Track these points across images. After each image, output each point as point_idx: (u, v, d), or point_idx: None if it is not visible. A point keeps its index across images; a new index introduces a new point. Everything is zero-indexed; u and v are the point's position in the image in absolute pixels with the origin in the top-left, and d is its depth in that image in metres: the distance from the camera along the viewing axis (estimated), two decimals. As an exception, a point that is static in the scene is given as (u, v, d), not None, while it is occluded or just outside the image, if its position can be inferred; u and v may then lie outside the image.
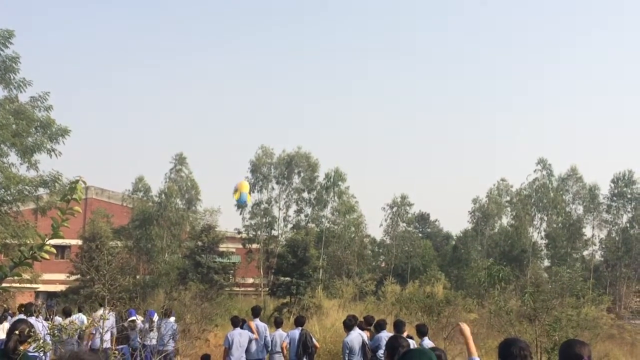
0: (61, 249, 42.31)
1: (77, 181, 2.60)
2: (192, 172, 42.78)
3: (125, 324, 13.66)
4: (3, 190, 21.80)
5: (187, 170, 42.53)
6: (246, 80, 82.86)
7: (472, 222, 51.43)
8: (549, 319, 18.18)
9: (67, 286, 37.61)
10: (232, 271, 39.59)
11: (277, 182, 44.07)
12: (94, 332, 13.17)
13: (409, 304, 26.94)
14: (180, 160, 42.30)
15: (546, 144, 79.35)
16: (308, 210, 44.47)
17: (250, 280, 43.51)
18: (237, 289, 40.47)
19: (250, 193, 28.43)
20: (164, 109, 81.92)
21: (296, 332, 11.97)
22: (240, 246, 43.45)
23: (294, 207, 44.59)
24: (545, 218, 47.59)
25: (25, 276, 23.20)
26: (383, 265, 49.68)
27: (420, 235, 52.84)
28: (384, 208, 48.20)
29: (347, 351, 10.73)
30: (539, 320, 17.80)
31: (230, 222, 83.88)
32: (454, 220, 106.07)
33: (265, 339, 12.31)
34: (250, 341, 12.05)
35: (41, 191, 23.22)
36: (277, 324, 13.09)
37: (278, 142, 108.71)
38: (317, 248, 39.12)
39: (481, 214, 50.44)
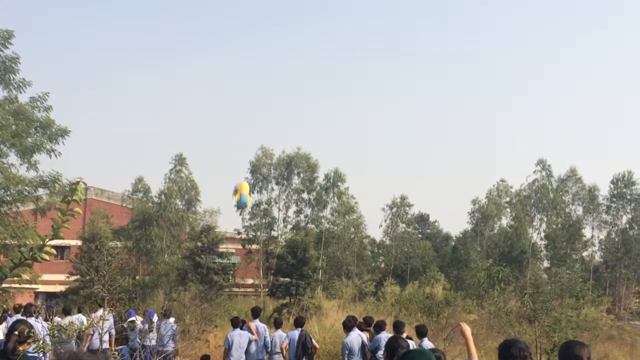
0: (61, 250, 42.32)
1: (77, 182, 2.60)
2: (191, 173, 42.83)
3: (125, 325, 13.65)
4: (3, 190, 21.79)
5: (186, 171, 42.59)
6: (246, 80, 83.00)
7: (471, 223, 51.48)
8: (549, 320, 18.18)
9: (67, 287, 37.59)
10: (231, 272, 39.56)
11: (277, 183, 44.10)
12: (91, 333, 13.17)
13: (409, 304, 26.94)
14: (180, 160, 42.32)
15: (546, 145, 79.49)
16: (308, 211, 44.51)
17: (250, 281, 43.52)
18: (237, 289, 40.48)
19: (250, 194, 28.45)
20: (164, 109, 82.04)
21: (296, 333, 11.97)
22: (240, 247, 43.44)
23: (293, 208, 44.65)
24: (545, 219, 47.60)
25: (25, 277, 23.20)
26: (382, 266, 49.68)
27: (419, 236, 52.84)
28: (384, 209, 48.28)
29: (347, 352, 10.73)
30: (538, 321, 17.80)
31: (230, 222, 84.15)
32: (454, 221, 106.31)
33: (264, 339, 12.31)
34: (249, 342, 12.05)
35: (41, 192, 23.21)
36: (277, 324, 13.09)
37: (278, 143, 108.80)
38: (317, 249, 39.12)
39: (481, 214, 50.46)
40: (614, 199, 47.49)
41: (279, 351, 12.26)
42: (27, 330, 4.44)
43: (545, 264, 48.93)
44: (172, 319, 13.86)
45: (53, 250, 2.60)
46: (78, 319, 13.78)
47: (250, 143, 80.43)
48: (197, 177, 43.49)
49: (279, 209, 44.25)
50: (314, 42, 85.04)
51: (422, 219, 59.10)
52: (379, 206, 55.43)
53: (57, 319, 13.54)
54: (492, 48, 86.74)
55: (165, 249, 40.47)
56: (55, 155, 22.17)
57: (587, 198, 47.66)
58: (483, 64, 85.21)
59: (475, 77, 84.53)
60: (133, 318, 13.75)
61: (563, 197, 47.74)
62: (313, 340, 12.23)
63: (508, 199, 50.14)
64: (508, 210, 49.93)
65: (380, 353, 10.26)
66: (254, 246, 43.47)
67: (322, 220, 44.32)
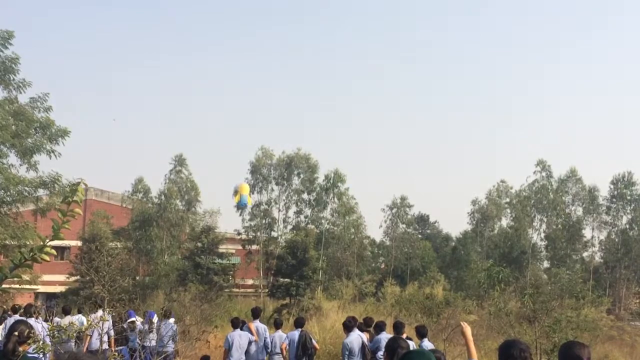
0: (61, 250, 42.32)
1: (78, 183, 2.60)
2: (191, 174, 42.84)
3: (125, 326, 13.65)
4: (3, 191, 21.81)
5: (186, 172, 42.58)
6: (246, 81, 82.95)
7: (471, 223, 51.49)
8: (549, 320, 18.19)
9: (67, 287, 37.59)
10: (231, 272, 39.58)
11: (277, 184, 44.09)
12: (90, 333, 13.16)
13: (409, 305, 26.94)
14: (180, 161, 42.32)
15: (546, 146, 79.45)
16: (308, 211, 44.50)
17: (250, 282, 43.51)
18: (237, 290, 40.48)
19: (250, 195, 28.45)
20: (164, 109, 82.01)
21: (296, 334, 11.97)
22: (240, 247, 43.43)
23: (293, 209, 44.64)
24: (545, 219, 47.62)
25: (25, 277, 23.26)
26: (383, 266, 49.68)
27: (419, 236, 52.79)
28: (384, 209, 48.26)
29: (347, 352, 10.72)
30: (538, 322, 17.81)
31: (229, 223, 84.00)
32: (454, 222, 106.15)
33: (264, 340, 12.30)
34: (250, 343, 12.05)
35: (41, 192, 23.23)
36: (277, 325, 13.09)
37: (278, 143, 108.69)
38: (317, 249, 39.12)
39: (481, 215, 50.48)
40: (614, 200, 47.50)
41: (279, 352, 12.26)
42: (27, 330, 4.44)
43: (545, 264, 48.97)
44: (172, 320, 13.85)
45: (53, 251, 2.60)
46: (78, 319, 13.77)
47: (250, 143, 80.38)
48: (197, 177, 43.52)
49: (279, 210, 44.30)
50: (314, 42, 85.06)
51: (422, 220, 59.06)
52: (379, 207, 55.41)
53: (57, 319, 13.54)
54: (492, 48, 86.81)
55: (165, 249, 40.48)
56: (55, 156, 22.21)
57: (587, 199, 47.67)
58: (483, 64, 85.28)
59: (475, 77, 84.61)
60: (133, 319, 13.75)
61: (563, 198, 47.76)
62: (313, 341, 12.23)
63: (508, 200, 50.17)
64: (508, 210, 49.95)
65: (381, 354, 10.25)
66: (254, 247, 43.46)
67: (322, 221, 44.33)
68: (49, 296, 41.07)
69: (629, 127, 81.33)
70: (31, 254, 2.54)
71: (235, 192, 22.84)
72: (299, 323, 12.40)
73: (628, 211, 47.52)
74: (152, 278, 38.05)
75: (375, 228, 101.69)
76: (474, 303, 31.95)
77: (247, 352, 12.00)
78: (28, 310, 12.42)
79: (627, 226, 47.49)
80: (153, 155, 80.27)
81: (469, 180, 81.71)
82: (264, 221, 43.63)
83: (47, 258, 2.58)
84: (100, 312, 13.04)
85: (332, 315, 23.21)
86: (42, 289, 40.24)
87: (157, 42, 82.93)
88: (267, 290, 39.04)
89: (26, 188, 21.94)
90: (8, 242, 22.17)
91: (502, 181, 50.83)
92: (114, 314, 14.04)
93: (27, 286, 30.75)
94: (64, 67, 79.71)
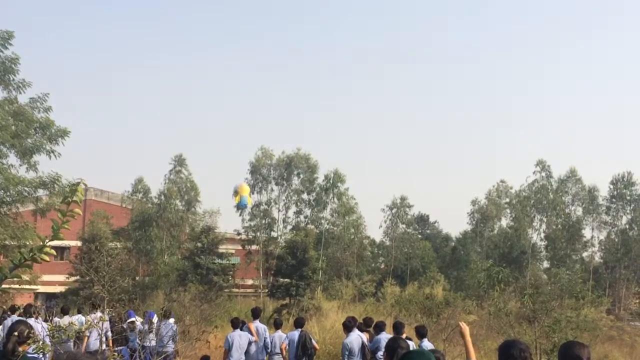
0: (60, 250, 42.32)
1: (77, 183, 2.60)
2: (191, 174, 42.83)
3: (125, 326, 13.65)
4: (2, 191, 21.81)
5: (186, 172, 42.58)
6: (246, 81, 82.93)
7: (471, 223, 51.49)
8: (549, 320, 18.20)
9: (67, 287, 37.59)
10: (231, 272, 39.57)
11: (277, 184, 44.09)
12: (88, 334, 13.15)
13: (409, 305, 26.95)
14: (180, 161, 42.33)
15: (545, 146, 79.45)
16: (307, 211, 44.49)
17: (250, 282, 43.51)
18: (237, 290, 40.48)
19: (250, 196, 28.42)
20: (164, 110, 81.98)
21: (295, 334, 11.98)
22: (240, 247, 43.42)
23: (293, 209, 44.63)
24: (545, 219, 47.62)
25: (25, 277, 23.26)
26: (382, 266, 49.67)
27: (419, 236, 52.76)
28: (384, 209, 48.25)
29: (347, 353, 10.73)
30: (538, 322, 17.82)
31: (229, 223, 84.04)
32: (454, 222, 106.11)
33: (264, 340, 12.30)
34: (249, 343, 12.05)
35: (40, 192, 23.23)
36: (277, 325, 13.09)
37: (277, 143, 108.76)
38: (317, 249, 39.12)
39: (480, 215, 50.48)
40: (614, 200, 47.50)
41: (279, 352, 12.26)
42: (27, 330, 4.43)
43: (545, 264, 48.97)
44: (172, 320, 13.85)
45: (53, 251, 2.60)
46: (78, 319, 13.77)
47: (250, 143, 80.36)
48: (196, 177, 43.52)
49: (279, 210, 44.29)
50: (314, 42, 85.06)
51: (422, 220, 59.05)
52: (379, 207, 55.44)
53: (56, 319, 13.54)
54: (492, 48, 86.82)
55: (165, 249, 40.48)
56: (55, 156, 22.22)
57: (587, 199, 47.67)
58: (483, 64, 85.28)
59: (475, 77, 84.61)
60: (133, 319, 13.75)
61: (563, 198, 47.76)
62: (313, 341, 12.23)
63: (508, 200, 50.17)
64: (508, 211, 49.94)
65: (380, 354, 10.25)
66: (254, 247, 43.47)
67: (322, 221, 44.33)
68: (49, 296, 41.06)
69: (629, 127, 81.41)
70: (31, 254, 2.54)
71: (235, 193, 22.77)
72: (298, 323, 12.41)
73: (628, 211, 47.53)
74: (152, 278, 38.04)
75: (375, 228, 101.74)
76: (474, 303, 31.94)
77: (247, 352, 12.01)
78: (28, 311, 12.42)
79: (627, 226, 47.50)
80: (153, 156, 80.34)
81: (469, 180, 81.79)
82: (263, 221, 43.63)
83: (47, 258, 2.58)
84: (98, 313, 13.04)
85: (332, 316, 23.21)
86: (41, 289, 40.24)
87: (157, 42, 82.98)
88: (266, 290, 39.04)
89: (26, 188, 21.95)
90: (8, 242, 22.17)
91: (502, 181, 50.88)
92: (113, 315, 14.04)
93: (27, 286, 30.75)
94: (64, 67, 79.79)
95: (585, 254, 49.42)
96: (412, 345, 8.80)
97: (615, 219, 47.71)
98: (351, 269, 42.66)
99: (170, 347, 12.96)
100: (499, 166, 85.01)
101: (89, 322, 8.58)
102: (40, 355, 4.48)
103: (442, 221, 72.81)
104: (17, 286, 27.01)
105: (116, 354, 7.88)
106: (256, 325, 12.42)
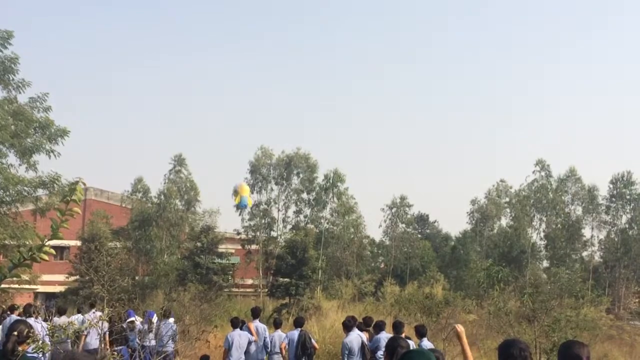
0: (60, 250, 42.30)
1: (76, 182, 2.60)
2: (191, 173, 42.81)
3: (124, 325, 13.64)
4: (2, 191, 21.81)
5: (186, 171, 42.56)
6: (246, 81, 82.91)
7: (471, 223, 51.49)
8: (548, 319, 18.21)
9: (66, 287, 37.58)
10: (231, 272, 39.57)
11: (276, 183, 44.09)
12: (85, 333, 13.14)
13: (408, 305, 26.96)
14: (180, 161, 42.31)
15: (545, 146, 79.46)
16: (307, 211, 44.49)
17: (250, 281, 43.52)
18: (236, 290, 40.47)
19: (250, 196, 28.41)
20: (164, 109, 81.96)
21: (295, 333, 11.98)
22: (240, 247, 43.44)
23: (293, 208, 44.63)
24: (544, 219, 47.63)
25: (24, 277, 23.27)
26: (382, 266, 49.67)
27: (419, 236, 52.80)
28: (383, 209, 48.25)
29: (346, 352, 10.73)
30: (538, 321, 17.82)
31: (229, 223, 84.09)
32: (453, 221, 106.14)
33: (264, 340, 12.31)
34: (249, 342, 12.05)
35: (40, 192, 23.22)
36: (276, 324, 13.10)
37: (277, 143, 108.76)
38: (316, 249, 39.12)
39: (480, 215, 50.48)
40: (614, 199, 47.51)
41: (279, 351, 12.27)
42: (27, 330, 4.43)
43: (545, 264, 48.98)
44: (171, 319, 13.85)
45: (52, 251, 2.60)
46: (77, 319, 13.77)
47: (250, 143, 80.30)
48: (196, 177, 43.50)
49: (279, 209, 44.30)
50: (314, 42, 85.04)
51: (422, 219, 59.09)
52: (379, 206, 55.43)
53: (55, 319, 13.53)
54: (492, 48, 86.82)
55: (164, 249, 40.48)
56: (55, 156, 22.21)
57: (587, 198, 47.67)
58: (483, 64, 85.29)
59: (475, 77, 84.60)
60: (132, 318, 13.74)
61: (562, 197, 47.77)
62: (312, 341, 12.24)
63: (507, 199, 50.17)
64: (507, 210, 49.95)
65: (380, 353, 10.26)
66: (254, 246, 43.48)
67: (322, 221, 44.33)
68: (49, 296, 41.04)
69: (629, 127, 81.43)
70: (30, 253, 2.54)
71: (235, 192, 22.75)
72: (298, 323, 12.41)
73: (627, 210, 47.55)
74: (152, 278, 38.05)
75: (374, 228, 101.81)
76: (474, 302, 31.96)
77: (246, 352, 12.01)
78: (27, 310, 12.42)
79: (627, 225, 47.51)
80: (152, 155, 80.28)
81: (469, 180, 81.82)
82: (263, 221, 43.64)
83: (46, 257, 2.58)
84: (98, 312, 13.03)
85: (332, 315, 23.22)
86: (41, 288, 40.24)
87: (157, 42, 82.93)
88: (266, 290, 39.05)
89: (25, 188, 21.94)
90: (7, 242, 22.16)
91: (502, 181, 50.87)
92: (113, 314, 14.02)
93: (27, 286, 30.75)
94: (63, 67, 79.74)
95: (584, 254, 49.47)
96: (412, 344, 8.80)
97: (615, 218, 47.73)
98: (351, 269, 42.67)
99: (170, 347, 12.95)
100: (498, 166, 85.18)
101: (89, 322, 8.57)
102: (40, 355, 4.47)
103: (441, 221, 72.95)
104: (16, 286, 27.01)
105: (115, 353, 7.87)
106: (256, 324, 12.43)
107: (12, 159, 21.92)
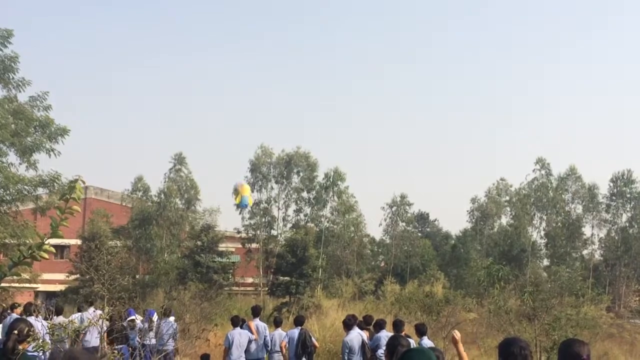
0: (60, 249, 42.32)
1: (76, 180, 2.60)
2: (191, 172, 42.82)
3: (125, 324, 13.64)
4: (2, 190, 21.81)
5: (186, 170, 42.58)
6: (246, 81, 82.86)
7: (471, 221, 51.49)
8: (549, 318, 18.22)
9: (67, 286, 37.61)
10: (231, 271, 39.59)
11: (277, 182, 44.09)
12: (83, 331, 13.14)
13: (409, 303, 26.95)
14: (180, 160, 42.31)
15: (545, 146, 79.43)
16: (307, 209, 44.50)
17: (250, 280, 43.53)
18: (237, 288, 40.49)
19: (250, 195, 28.42)
20: (164, 109, 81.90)
21: (295, 332, 11.98)
22: (240, 246, 43.46)
23: (293, 207, 44.64)
24: (545, 217, 47.63)
25: (25, 276, 23.25)
26: (382, 264, 49.69)
27: (419, 234, 52.81)
28: (384, 207, 48.24)
29: (347, 350, 10.73)
30: (538, 320, 17.83)
31: (229, 221, 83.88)
32: (454, 220, 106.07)
33: (264, 338, 12.31)
34: (249, 341, 12.05)
35: (40, 191, 23.22)
36: (277, 323, 13.10)
37: (277, 142, 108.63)
38: (317, 248, 39.13)
39: (480, 213, 50.48)
40: (614, 198, 47.52)
41: (279, 350, 12.27)
42: (27, 329, 4.43)
43: (545, 262, 48.99)
44: (172, 318, 13.86)
45: (52, 249, 2.60)
46: (78, 317, 13.77)
47: (250, 143, 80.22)
48: (196, 176, 43.49)
49: (279, 208, 44.30)
50: (314, 42, 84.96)
51: (422, 218, 59.08)
52: (379, 205, 55.41)
53: (54, 318, 13.52)
54: (492, 48, 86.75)
55: (165, 248, 40.49)
56: (55, 155, 22.20)
57: (587, 196, 47.67)
58: (483, 64, 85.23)
59: (475, 77, 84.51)
60: (133, 317, 13.74)
61: (563, 196, 47.77)
62: (313, 339, 12.24)
63: (508, 198, 50.17)
64: (508, 208, 49.96)
65: (380, 352, 10.26)
66: (254, 245, 43.50)
67: (322, 219, 44.34)
68: (49, 295, 41.06)
69: (629, 127, 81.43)
70: (30, 251, 2.53)
71: (236, 191, 22.75)
72: (298, 321, 12.41)
73: (628, 209, 47.54)
74: (152, 276, 38.07)
75: (375, 226, 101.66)
76: (474, 301, 31.95)
77: (247, 351, 12.01)
78: (28, 309, 12.42)
79: (627, 224, 47.52)
80: (153, 154, 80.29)
81: (469, 178, 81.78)
82: (263, 219, 43.66)
83: (46, 256, 2.57)
84: (98, 311, 13.03)
85: (332, 314, 23.23)
86: (42, 287, 40.29)
87: (157, 42, 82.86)
88: (266, 288, 39.08)
89: (26, 187, 21.94)
90: (8, 240, 22.15)
91: (502, 179, 50.87)
92: (113, 313, 14.02)
93: (27, 285, 30.76)
94: (63, 67, 79.66)
95: (585, 252, 49.47)
96: (412, 343, 8.80)
97: (615, 216, 47.73)
98: (351, 267, 42.68)
99: (171, 345, 12.97)
100: (499, 165, 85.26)
101: (89, 320, 8.57)
102: (40, 353, 4.48)
103: (442, 219, 72.78)
104: (17, 284, 27.02)
105: (116, 352, 7.87)
106: (256, 323, 12.43)
107: (12, 157, 21.93)
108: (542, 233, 48.03)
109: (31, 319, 10.21)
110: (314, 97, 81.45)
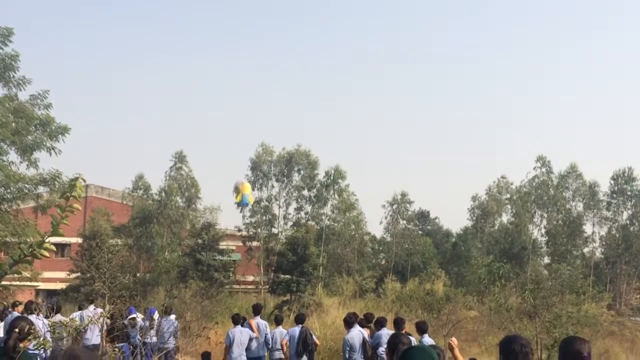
0: (61, 247, 42.34)
1: (76, 179, 2.60)
2: (192, 170, 42.82)
3: (126, 322, 13.66)
4: (3, 188, 21.82)
5: (187, 168, 42.57)
6: (246, 81, 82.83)
7: (471, 219, 51.49)
8: (549, 316, 18.23)
9: (68, 284, 37.65)
10: (232, 269, 39.63)
11: (277, 180, 44.11)
12: (83, 329, 13.15)
13: (409, 301, 27.00)
14: (180, 158, 42.31)
15: (546, 142, 79.36)
16: (308, 208, 44.52)
17: (251, 278, 43.56)
18: (237, 286, 40.53)
19: (251, 194, 28.44)
20: (164, 107, 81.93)
21: (296, 330, 11.99)
22: (241, 244, 43.48)
23: (294, 205, 44.66)
24: (545, 215, 47.61)
25: (26, 274, 23.31)
26: (383, 262, 49.71)
27: (420, 232, 52.80)
28: (384, 205, 48.23)
29: (348, 348, 10.74)
30: (539, 317, 17.84)
31: (230, 219, 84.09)
32: (454, 218, 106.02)
33: (265, 336, 12.32)
34: (250, 339, 12.06)
35: (41, 189, 23.23)
36: (278, 321, 13.11)
37: (278, 140, 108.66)
38: (317, 246, 39.15)
39: (481, 211, 50.48)
40: (615, 195, 47.48)
41: (280, 348, 12.28)
42: (28, 327, 4.43)
43: (546, 260, 48.96)
44: (173, 316, 13.87)
45: (52, 247, 2.60)
46: (79, 315, 13.78)
47: (251, 143, 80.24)
48: (197, 174, 43.49)
49: (279, 206, 44.31)
50: (314, 42, 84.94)
51: (423, 216, 59.10)
52: (380, 203, 55.44)
53: (57, 316, 13.53)
54: (492, 48, 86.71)
55: (165, 246, 40.50)
56: (56, 153, 22.21)
57: (588, 194, 47.65)
58: (483, 64, 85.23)
59: (475, 77, 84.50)
60: (134, 315, 13.76)
61: (563, 194, 47.75)
62: (314, 337, 12.26)
63: (508, 196, 50.16)
64: (508, 206, 49.94)
65: (381, 349, 10.27)
66: (255, 243, 43.51)
67: (323, 217, 44.35)
68: (50, 293, 41.11)
69: (629, 123, 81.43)
70: (30, 250, 2.53)
71: (237, 191, 22.76)
72: (299, 319, 12.42)
73: (628, 207, 47.50)
74: (153, 275, 38.09)
75: (375, 224, 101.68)
76: (475, 299, 32.01)
77: (247, 349, 12.02)
78: (29, 307, 12.43)
79: (628, 222, 47.48)
80: (153, 153, 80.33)
81: (470, 177, 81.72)
82: (264, 218, 43.67)
83: (47, 254, 2.57)
84: (98, 309, 13.04)
85: (333, 312, 23.25)
86: (42, 286, 40.32)
87: (157, 42, 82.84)
88: (267, 286, 39.10)
89: (26, 185, 21.95)
90: (8, 239, 22.16)
91: (503, 177, 50.86)
92: (114, 311, 14.03)
93: (28, 283, 30.80)
94: (64, 66, 79.67)
95: (586, 250, 49.45)
96: (413, 340, 8.80)
97: (616, 214, 47.70)
98: (352, 265, 42.69)
99: (171, 344, 12.97)
100: (499, 163, 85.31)
101: (89, 318, 8.57)
102: (41, 352, 4.48)
103: (442, 217, 72.81)
104: (17, 283, 27.03)
105: (117, 350, 7.88)
106: (257, 321, 12.44)
107: (13, 156, 21.94)
108: (543, 231, 48.02)
109: (32, 317, 10.22)
110: (314, 97, 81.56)
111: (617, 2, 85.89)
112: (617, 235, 47.19)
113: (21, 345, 4.43)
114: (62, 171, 22.02)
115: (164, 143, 79.57)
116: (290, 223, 44.20)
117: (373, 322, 12.19)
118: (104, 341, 13.35)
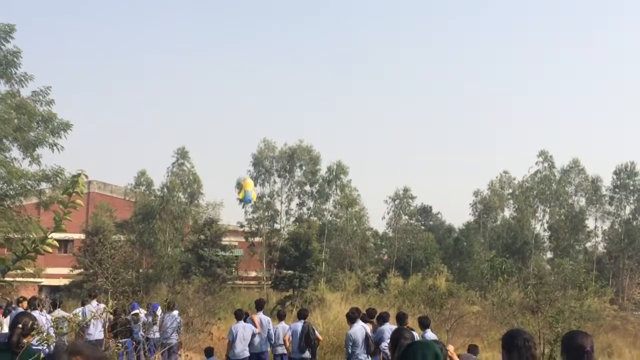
0: (64, 243, 42.42)
1: (79, 175, 2.60)
2: (194, 166, 42.85)
3: (129, 318, 13.69)
4: (6, 184, 21.84)
5: (189, 164, 42.60)
6: (246, 80, 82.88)
7: (474, 214, 51.47)
8: (552, 310, 18.20)
9: (71, 280, 37.72)
10: (234, 264, 39.65)
11: (279, 176, 44.13)
12: (85, 325, 13.19)
13: (412, 296, 27.01)
14: (183, 154, 42.32)
15: (548, 136, 79.37)
16: (310, 203, 44.55)
17: (253, 274, 43.61)
18: (240, 282, 40.59)
19: (254, 190, 28.49)
20: (167, 104, 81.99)
21: (299, 325, 12.00)
22: (243, 240, 43.52)
23: (296, 201, 44.69)
24: (548, 210, 47.60)
25: (29, 270, 23.35)
26: (385, 258, 49.73)
27: (422, 228, 52.82)
28: (386, 201, 48.27)
29: (350, 344, 10.75)
30: (541, 312, 17.83)
31: (232, 215, 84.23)
32: (457, 213, 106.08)
33: (268, 332, 12.34)
34: (253, 334, 12.08)
35: (44, 185, 23.23)
36: (280, 316, 13.11)
37: (280, 136, 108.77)
38: (320, 241, 39.16)
39: (483, 206, 50.46)
40: (617, 190, 47.44)
41: (282, 343, 12.29)
42: (31, 322, 4.45)
43: (549, 255, 49.00)
44: (175, 312, 13.89)
45: (55, 243, 2.60)
46: (81, 311, 13.81)
47: (253, 136, 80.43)
48: (199, 170, 43.52)
49: (282, 202, 44.35)
50: (314, 42, 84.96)
51: (425, 211, 59.08)
52: (382, 198, 55.43)
53: (60, 312, 13.57)
54: (492, 48, 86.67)
55: (168, 242, 40.54)
56: (58, 149, 22.19)
57: (590, 189, 47.62)
58: (483, 64, 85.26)
59: (477, 68, 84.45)
60: (137, 311, 13.78)
61: (566, 188, 47.72)
62: (316, 332, 12.27)
63: (511, 191, 50.13)
64: (511, 201, 49.92)
65: (384, 344, 10.27)
66: (257, 239, 43.54)
67: (325, 213, 44.37)
68: (53, 289, 41.20)
69: (631, 119, 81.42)
70: (33, 245, 2.54)
71: (239, 186, 22.82)
72: (302, 314, 12.43)
73: (631, 201, 47.48)
74: (156, 270, 38.15)
75: (377, 220, 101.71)
76: (477, 294, 32.03)
77: (250, 344, 12.04)
78: (32, 303, 12.45)
79: (630, 216, 47.47)
80: (156, 149, 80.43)
81: (472, 172, 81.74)
82: (266, 213, 43.70)
83: (49, 249, 2.58)
84: (101, 304, 13.08)
85: (335, 307, 23.28)
86: (45, 281, 40.40)
87: (157, 42, 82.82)
88: (270, 282, 39.15)
89: (29, 181, 21.96)
90: (11, 235, 22.20)
91: (505, 172, 50.85)
92: (117, 307, 14.07)
93: (31, 279, 30.87)
94: (64, 66, 79.67)
95: (588, 244, 49.45)
96: (416, 335, 8.81)
97: (619, 209, 47.67)
98: (354, 261, 42.73)
99: (174, 339, 13.00)
100: (501, 157, 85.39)
101: (92, 313, 8.60)
102: (44, 347, 4.49)
103: (445, 212, 73.00)
104: (21, 279, 27.11)
105: (120, 345, 7.90)
106: (260, 316, 12.45)
107: (15, 152, 21.94)
108: (546, 226, 48.05)
109: (35, 313, 10.25)
110: (314, 96, 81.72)
111: (617, 2, 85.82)
112: (619, 230, 47.16)
113: (24, 340, 4.44)
114: (64, 167, 22.04)
115: (166, 139, 79.78)
116: (292, 219, 44.28)
117: (375, 318, 12.19)
118: (107, 337, 13.39)
